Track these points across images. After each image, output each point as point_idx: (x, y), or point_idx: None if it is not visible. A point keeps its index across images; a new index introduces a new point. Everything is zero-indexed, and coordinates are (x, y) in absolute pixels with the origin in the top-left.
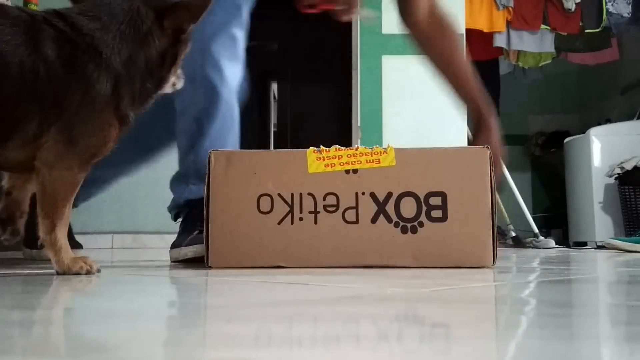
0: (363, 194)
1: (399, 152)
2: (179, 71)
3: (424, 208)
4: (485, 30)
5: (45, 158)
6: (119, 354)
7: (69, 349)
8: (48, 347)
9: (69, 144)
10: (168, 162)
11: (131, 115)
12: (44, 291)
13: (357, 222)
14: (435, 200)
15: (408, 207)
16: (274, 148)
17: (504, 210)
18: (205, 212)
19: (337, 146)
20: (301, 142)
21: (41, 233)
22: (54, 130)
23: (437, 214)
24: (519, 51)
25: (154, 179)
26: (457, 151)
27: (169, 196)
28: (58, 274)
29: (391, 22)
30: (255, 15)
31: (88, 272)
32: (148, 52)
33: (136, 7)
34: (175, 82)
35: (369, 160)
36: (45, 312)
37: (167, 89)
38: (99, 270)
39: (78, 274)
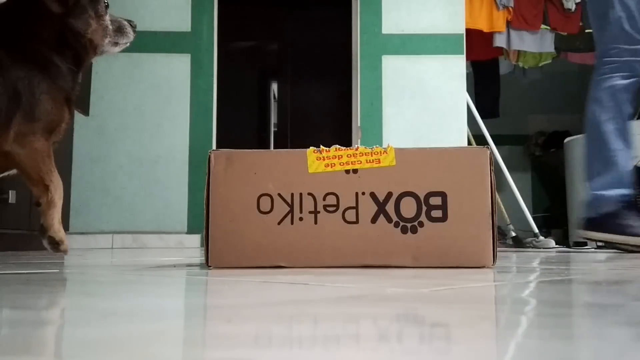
0: (363, 194)
1: (399, 152)
2: (110, 29)
3: (424, 208)
4: (485, 30)
5: (15, 136)
6: (119, 354)
7: (68, 349)
8: (48, 347)
9: (31, 121)
10: (167, 163)
11: (74, 96)
12: (43, 291)
13: (357, 222)
14: (435, 200)
15: (408, 207)
16: (274, 148)
17: (504, 210)
18: (205, 212)
19: (337, 146)
20: (301, 142)
21: (36, 193)
22: (19, 115)
23: (437, 214)
24: (519, 51)
25: (154, 179)
26: (457, 151)
27: (169, 196)
28: (42, 229)
29: (391, 22)
30: (255, 15)
31: (60, 242)
32: (47, 35)
33: (15, 3)
34: (115, 41)
35: (369, 160)
36: (45, 312)
37: (110, 49)
38: (66, 252)
39: (59, 243)
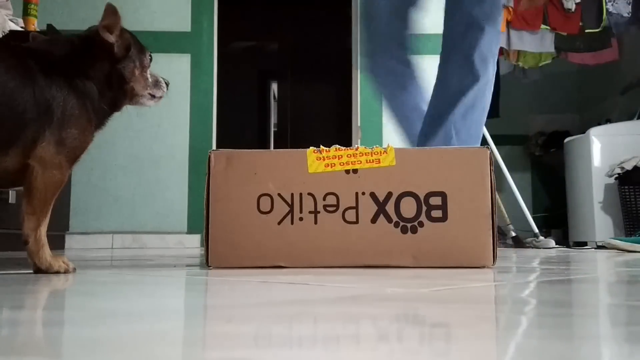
0: (363, 194)
1: (399, 152)
2: (150, 81)
3: (424, 208)
4: None
5: (40, 157)
6: (119, 354)
7: (68, 349)
8: (48, 347)
9: (58, 145)
10: (167, 163)
11: (98, 130)
12: (43, 291)
13: (357, 222)
14: (435, 200)
15: (408, 207)
16: (274, 148)
17: (504, 210)
18: (205, 212)
19: (337, 146)
20: (301, 142)
21: (26, 229)
22: (48, 133)
23: (437, 213)
24: (519, 51)
25: (154, 179)
26: (457, 151)
27: (169, 196)
28: (38, 270)
29: None
30: (255, 15)
31: (66, 271)
32: (94, 76)
33: (75, 40)
34: (152, 93)
35: (369, 160)
36: (44, 312)
37: (146, 101)
38: (74, 269)
39: (57, 272)
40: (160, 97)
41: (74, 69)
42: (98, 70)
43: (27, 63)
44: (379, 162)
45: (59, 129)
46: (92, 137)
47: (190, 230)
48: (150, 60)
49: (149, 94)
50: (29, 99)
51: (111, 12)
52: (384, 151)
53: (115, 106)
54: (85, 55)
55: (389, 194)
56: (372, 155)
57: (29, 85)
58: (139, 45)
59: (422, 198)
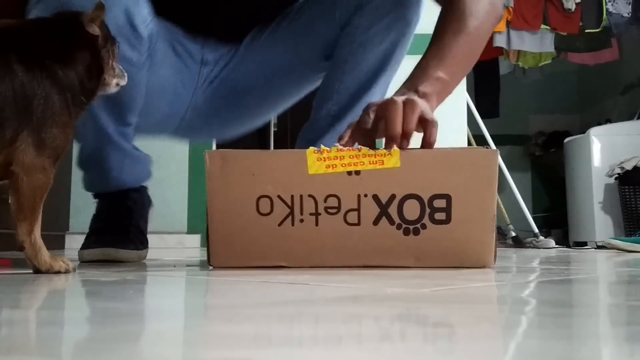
0: (365, 196)
1: (404, 153)
2: (117, 71)
3: (428, 210)
4: None
5: (22, 162)
6: (119, 354)
7: (68, 349)
8: (48, 347)
9: (39, 147)
10: (167, 162)
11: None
12: (42, 291)
13: (358, 223)
14: (440, 203)
15: (411, 209)
16: (274, 148)
17: (504, 210)
18: (207, 212)
19: (339, 146)
20: None
21: (20, 235)
22: (26, 134)
23: (440, 216)
24: (519, 51)
25: (154, 179)
26: (464, 152)
27: (169, 196)
28: (38, 271)
29: None
30: None
31: (66, 271)
32: (76, 68)
33: (57, 27)
34: (117, 82)
35: (372, 162)
36: (45, 312)
37: (112, 89)
38: (74, 269)
39: (59, 272)
40: (122, 86)
41: (56, 59)
42: (80, 61)
43: (5, 54)
44: (383, 164)
45: (39, 129)
46: (74, 133)
47: (190, 230)
48: (118, 49)
49: (116, 83)
50: (8, 96)
51: (101, 7)
52: (388, 153)
53: (92, 97)
54: (69, 44)
55: (392, 196)
56: (375, 157)
57: (7, 80)
58: (111, 36)
59: (426, 200)
